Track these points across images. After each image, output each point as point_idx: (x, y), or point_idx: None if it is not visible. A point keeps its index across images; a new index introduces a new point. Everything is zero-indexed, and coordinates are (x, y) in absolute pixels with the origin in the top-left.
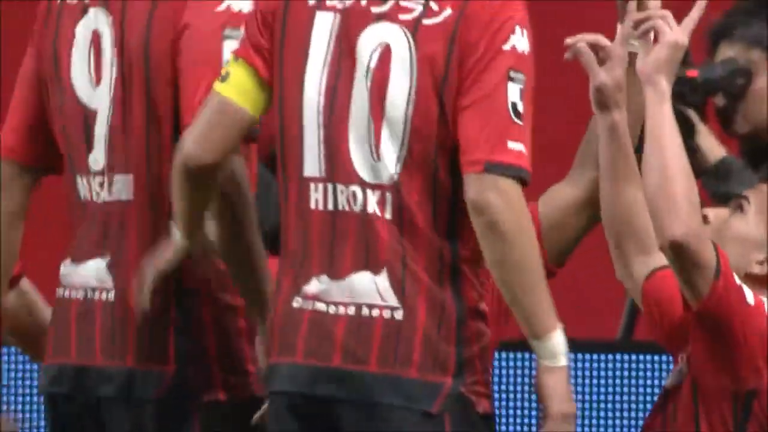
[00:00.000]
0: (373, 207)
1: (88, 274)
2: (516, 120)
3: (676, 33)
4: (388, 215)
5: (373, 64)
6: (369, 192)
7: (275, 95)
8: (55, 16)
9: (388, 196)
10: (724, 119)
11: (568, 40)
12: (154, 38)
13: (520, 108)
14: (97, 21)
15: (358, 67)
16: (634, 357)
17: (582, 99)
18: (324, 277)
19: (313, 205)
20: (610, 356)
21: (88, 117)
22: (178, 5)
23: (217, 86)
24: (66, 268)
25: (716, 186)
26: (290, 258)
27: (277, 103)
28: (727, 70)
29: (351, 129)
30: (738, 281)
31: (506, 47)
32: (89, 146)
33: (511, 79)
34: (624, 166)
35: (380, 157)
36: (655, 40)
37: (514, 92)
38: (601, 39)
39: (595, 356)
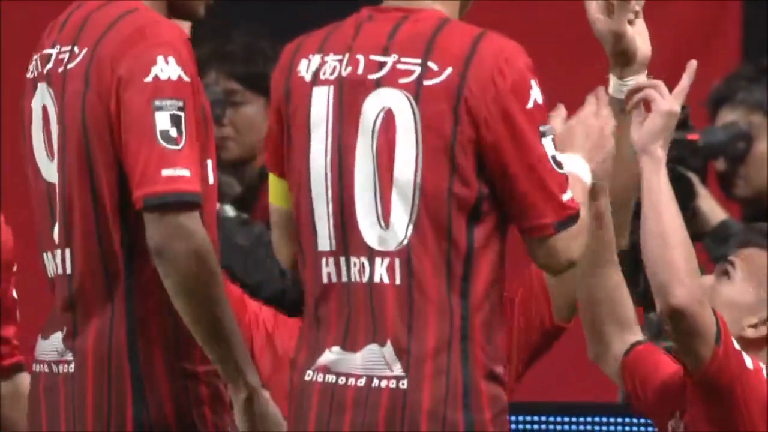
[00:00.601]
0: (380, 275)
1: (52, 348)
2: (559, 171)
3: (669, 101)
4: (397, 281)
5: (377, 131)
6: (377, 260)
7: (289, 177)
8: (22, 94)
9: (397, 262)
10: (724, 183)
11: None
12: (89, 118)
13: (559, 158)
14: (43, 96)
15: (362, 136)
16: (635, 420)
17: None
18: (337, 349)
19: (325, 279)
20: (612, 419)
21: (49, 191)
22: (110, 84)
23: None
24: (38, 344)
25: (717, 249)
26: (307, 332)
27: (290, 183)
28: (729, 134)
29: (358, 199)
30: (737, 346)
31: (530, 106)
32: (53, 220)
33: (543, 135)
34: (609, 253)
35: (389, 224)
36: (647, 108)
37: (549, 146)
38: None
39: (597, 419)
